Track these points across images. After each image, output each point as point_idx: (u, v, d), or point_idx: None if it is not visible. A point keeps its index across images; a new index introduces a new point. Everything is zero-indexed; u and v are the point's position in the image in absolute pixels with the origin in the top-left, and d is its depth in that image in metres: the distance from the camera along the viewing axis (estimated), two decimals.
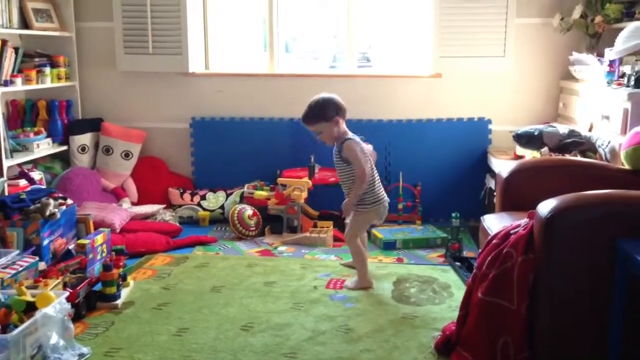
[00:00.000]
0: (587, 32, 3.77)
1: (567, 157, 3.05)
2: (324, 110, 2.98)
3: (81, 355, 2.30)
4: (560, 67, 4.08)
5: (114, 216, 3.75)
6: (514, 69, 4.11)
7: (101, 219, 3.62)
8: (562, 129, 3.16)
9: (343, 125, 3.03)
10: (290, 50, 4.92)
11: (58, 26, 4.26)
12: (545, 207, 2.02)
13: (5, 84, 3.75)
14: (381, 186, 3.09)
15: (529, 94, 4.19)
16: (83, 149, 4.36)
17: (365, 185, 2.95)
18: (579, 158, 3.00)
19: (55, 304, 2.28)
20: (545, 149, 3.12)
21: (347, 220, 3.68)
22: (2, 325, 2.20)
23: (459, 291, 2.89)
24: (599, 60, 3.38)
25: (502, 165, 2.91)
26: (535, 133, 3.18)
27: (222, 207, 4.23)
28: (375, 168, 3.07)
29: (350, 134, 3.03)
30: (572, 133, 3.11)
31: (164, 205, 4.25)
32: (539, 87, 4.18)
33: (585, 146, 3.05)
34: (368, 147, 3.13)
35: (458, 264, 3.30)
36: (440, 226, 3.95)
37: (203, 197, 4.29)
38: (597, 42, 3.77)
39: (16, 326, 2.14)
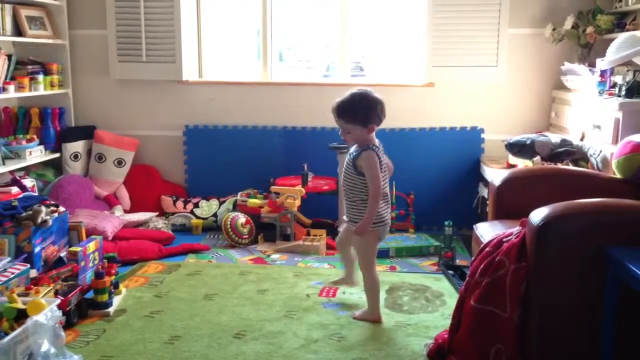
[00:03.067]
0: (578, 42, 3.81)
1: (559, 166, 3.07)
2: (367, 113, 2.59)
3: None
4: (552, 77, 4.11)
5: (106, 224, 3.74)
6: (507, 79, 4.14)
7: (93, 227, 3.60)
8: (554, 138, 3.18)
9: (373, 132, 2.66)
10: (284, 59, 4.93)
11: (51, 34, 4.26)
12: (537, 215, 2.02)
13: None
14: (389, 206, 2.74)
15: (521, 103, 4.22)
16: (76, 157, 4.34)
17: (377, 204, 2.60)
18: (570, 167, 3.02)
19: (47, 311, 2.26)
20: (537, 158, 3.14)
21: (340, 229, 3.67)
22: None
23: (451, 299, 2.89)
24: (590, 70, 3.41)
25: (495, 174, 2.92)
26: (527, 142, 3.20)
27: (215, 215, 4.22)
28: (387, 185, 2.72)
29: (375, 142, 2.66)
30: (564, 142, 3.13)
31: (156, 213, 4.24)
32: (531, 96, 4.21)
33: (577, 155, 3.07)
34: (387, 161, 2.74)
35: (451, 272, 3.30)
36: (433, 234, 3.96)
37: (196, 205, 4.28)
38: (588, 52, 3.81)
39: (7, 334, 2.13)
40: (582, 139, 3.23)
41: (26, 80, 3.97)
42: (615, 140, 2.84)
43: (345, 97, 2.63)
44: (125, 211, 4.31)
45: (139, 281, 3.21)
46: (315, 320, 2.74)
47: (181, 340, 2.53)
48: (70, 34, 4.38)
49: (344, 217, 2.83)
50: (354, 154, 2.64)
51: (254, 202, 4.00)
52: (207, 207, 4.27)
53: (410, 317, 2.77)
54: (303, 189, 3.91)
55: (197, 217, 4.22)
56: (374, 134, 2.66)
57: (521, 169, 3.10)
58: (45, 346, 2.23)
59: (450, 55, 4.10)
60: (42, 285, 2.61)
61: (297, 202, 3.88)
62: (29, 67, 4.08)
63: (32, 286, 2.60)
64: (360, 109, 2.59)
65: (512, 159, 3.57)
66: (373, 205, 2.59)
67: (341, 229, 3.92)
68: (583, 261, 2.00)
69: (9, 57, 3.91)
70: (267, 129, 4.33)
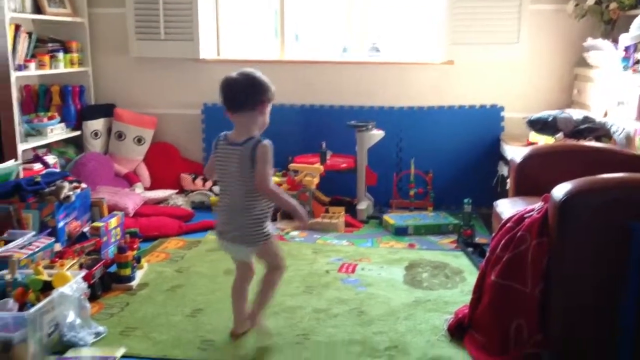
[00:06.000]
0: (602, 18, 3.74)
1: (582, 142, 3.04)
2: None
3: (97, 334, 2.33)
4: (574, 53, 4.05)
5: (127, 200, 3.78)
6: (528, 56, 4.09)
7: (115, 203, 3.64)
8: (577, 114, 3.15)
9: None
10: (300, 40, 4.91)
11: (70, 12, 4.27)
12: (560, 190, 2.01)
13: (19, 68, 3.77)
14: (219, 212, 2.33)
15: (542, 80, 4.17)
16: (96, 134, 4.38)
17: None
18: (593, 143, 2.98)
19: (72, 283, 2.30)
20: (559, 135, 3.11)
21: (358, 206, 3.67)
22: (20, 304, 2.23)
23: (471, 276, 2.90)
24: (614, 46, 3.36)
25: (516, 151, 2.90)
26: (549, 119, 3.17)
27: None
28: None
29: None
30: (586, 119, 3.09)
31: (176, 191, 4.28)
32: (553, 73, 4.15)
33: (600, 132, 3.04)
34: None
35: (470, 249, 3.30)
36: (452, 213, 3.95)
37: (215, 183, 4.31)
38: (612, 28, 3.74)
39: (33, 305, 2.17)
40: (605, 116, 3.19)
41: (47, 58, 4.00)
42: (639, 117, 2.81)
43: None
44: (145, 188, 4.35)
45: (160, 256, 3.25)
46: (335, 296, 2.75)
47: (203, 314, 2.56)
48: (89, 12, 4.39)
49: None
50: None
51: (273, 180, 4.00)
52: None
53: (429, 293, 2.78)
54: (321, 167, 3.91)
55: (216, 195, 4.24)
56: (233, 121, 2.30)
57: (543, 145, 3.08)
58: (71, 317, 2.28)
59: (470, 32, 4.05)
60: (66, 258, 2.65)
61: (316, 180, 3.89)
62: (49, 45, 4.11)
63: (57, 259, 2.64)
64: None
65: (533, 137, 3.54)
66: None
67: (361, 205, 3.94)
68: (606, 236, 1.99)
69: (30, 35, 3.93)
70: (285, 107, 4.32)
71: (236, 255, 2.36)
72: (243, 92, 2.23)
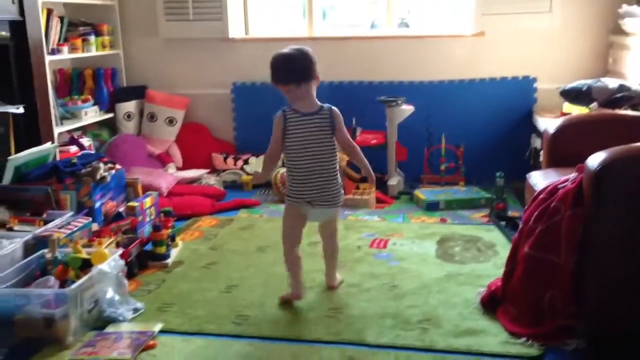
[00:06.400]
0: None
1: (617, 112, 2.97)
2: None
3: (136, 310, 2.39)
4: (609, 21, 3.94)
5: (160, 180, 3.84)
6: (561, 25, 3.99)
7: (149, 183, 3.71)
8: (612, 83, 3.07)
9: (293, 93, 2.38)
10: (327, 18, 4.88)
11: None
12: (595, 159, 1.97)
13: (53, 52, 3.84)
14: (305, 183, 2.39)
15: (576, 50, 4.07)
16: (129, 116, 4.45)
17: (266, 167, 2.49)
18: (629, 112, 2.91)
19: (110, 260, 2.36)
20: (594, 105, 3.04)
21: (389, 182, 3.65)
22: (60, 282, 2.30)
23: (504, 250, 2.87)
24: None
25: (549, 123, 2.85)
26: (584, 88, 3.10)
27: None
28: (304, 158, 2.38)
29: (295, 104, 2.40)
30: (622, 87, 3.02)
31: (208, 170, 4.33)
32: (587, 42, 4.05)
33: (636, 100, 2.97)
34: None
35: (503, 223, 3.27)
36: (484, 187, 3.91)
37: (246, 162, 4.34)
38: None
39: (73, 282, 2.23)
40: None
41: (79, 42, 4.07)
42: None
43: None
44: (178, 169, 4.41)
45: (194, 235, 3.30)
46: (367, 270, 2.77)
47: (237, 289, 2.60)
48: None
49: None
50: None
51: None
52: (257, 164, 4.32)
53: (462, 267, 2.77)
54: None
55: (248, 174, 4.28)
56: (295, 97, 2.37)
57: (576, 115, 3.02)
58: (110, 293, 2.35)
59: (501, 3, 3.97)
60: (103, 237, 2.72)
61: (346, 157, 3.88)
62: (81, 28, 4.17)
63: (94, 238, 2.71)
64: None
65: (567, 108, 3.47)
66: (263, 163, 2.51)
67: (391, 181, 3.93)
68: None
69: (61, 19, 3.99)
70: None
71: (323, 218, 2.49)
72: (302, 64, 2.36)
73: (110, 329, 2.26)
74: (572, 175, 2.14)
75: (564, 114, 3.53)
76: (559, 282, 2.06)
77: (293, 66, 2.36)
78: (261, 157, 4.28)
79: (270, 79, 2.42)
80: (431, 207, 3.66)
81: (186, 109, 4.53)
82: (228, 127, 4.57)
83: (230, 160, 4.38)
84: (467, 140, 4.14)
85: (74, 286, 2.18)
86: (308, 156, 2.37)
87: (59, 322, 2.14)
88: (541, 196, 2.21)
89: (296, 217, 2.47)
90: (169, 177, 4.01)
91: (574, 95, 3.17)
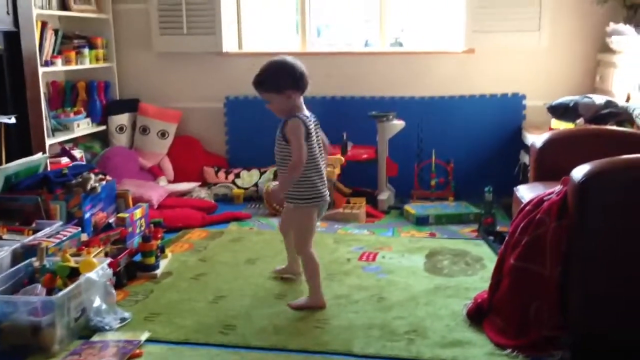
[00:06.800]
0: (624, 3, 3.70)
1: (603, 127, 3.00)
2: (277, 79, 2.48)
3: (123, 319, 2.38)
4: (596, 40, 4.00)
5: (152, 193, 3.85)
6: (549, 43, 4.05)
7: (139, 196, 3.71)
8: (599, 99, 3.12)
9: (298, 100, 2.52)
10: (322, 36, 4.93)
11: (95, 8, 4.36)
12: (580, 171, 2.00)
13: (47, 64, 3.86)
14: (324, 181, 2.57)
15: (564, 68, 4.13)
16: (121, 129, 4.47)
17: (298, 175, 2.46)
18: (615, 128, 2.95)
19: (98, 269, 2.37)
20: (580, 121, 3.08)
21: (380, 197, 3.69)
22: (48, 289, 2.30)
23: (491, 263, 2.85)
24: (637, 30, 3.31)
25: (536, 137, 2.88)
26: (571, 104, 3.15)
27: (255, 184, 4.28)
28: (321, 158, 2.57)
29: (304, 112, 2.54)
30: (609, 103, 3.06)
31: (199, 183, 4.34)
32: (575, 61, 4.11)
33: (622, 117, 3.01)
34: (322, 136, 2.67)
35: (491, 238, 3.29)
36: (474, 203, 3.93)
37: (237, 175, 4.36)
38: (634, 13, 3.70)
39: (60, 290, 2.23)
40: (627, 100, 3.16)
41: (72, 54, 4.09)
42: None
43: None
44: (169, 182, 4.42)
45: (184, 247, 3.31)
46: (355, 283, 2.78)
47: (225, 300, 2.61)
48: (113, 8, 4.47)
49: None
50: (282, 123, 2.53)
51: None
52: (248, 177, 4.33)
53: (449, 280, 2.78)
54: (342, 158, 3.93)
55: (239, 187, 4.29)
56: (299, 103, 2.52)
57: (563, 130, 3.06)
58: (97, 302, 2.35)
59: (491, 20, 4.02)
60: (92, 247, 2.72)
61: (337, 171, 3.91)
62: (75, 41, 4.19)
63: (83, 247, 2.71)
64: (269, 76, 2.48)
65: (555, 124, 3.51)
66: (291, 173, 2.46)
67: (382, 196, 3.95)
68: (626, 217, 1.98)
69: (56, 31, 4.02)
70: (306, 99, 4.23)
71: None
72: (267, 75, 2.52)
73: (96, 337, 2.26)
74: (558, 187, 2.17)
75: (552, 130, 3.58)
76: (545, 293, 2.08)
77: (304, 74, 2.55)
78: (253, 171, 4.33)
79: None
80: (421, 221, 3.68)
81: (179, 123, 4.54)
82: (220, 140, 4.59)
83: (221, 174, 4.39)
84: (457, 156, 4.18)
85: (61, 294, 2.18)
86: (321, 158, 2.58)
87: (45, 329, 2.14)
88: (527, 208, 2.24)
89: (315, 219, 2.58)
90: (160, 189, 4.02)
91: (561, 111, 3.21)
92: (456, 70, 4.25)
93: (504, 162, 4.11)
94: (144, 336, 2.25)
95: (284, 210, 2.85)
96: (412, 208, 3.80)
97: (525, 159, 3.79)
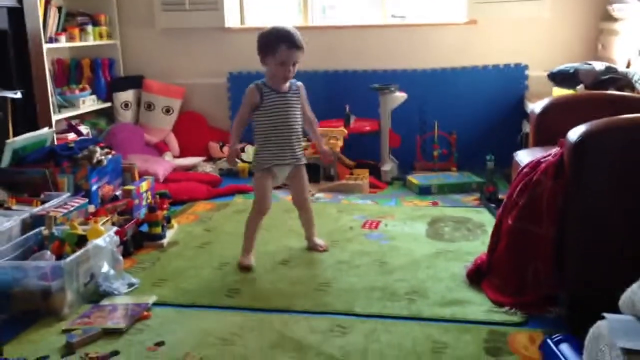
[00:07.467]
0: None
1: (603, 92, 3.01)
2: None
3: (130, 284, 2.44)
4: (598, 8, 3.99)
5: (157, 167, 3.90)
6: (551, 13, 4.04)
7: (145, 170, 3.76)
8: (599, 65, 3.12)
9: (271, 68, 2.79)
10: (326, 15, 4.91)
11: None
12: (576, 132, 2.02)
13: (51, 41, 3.90)
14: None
15: (567, 37, 4.12)
16: (126, 105, 4.51)
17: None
18: (614, 92, 2.96)
19: (105, 236, 2.42)
20: (580, 87, 3.09)
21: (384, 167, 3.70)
22: (57, 257, 2.36)
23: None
24: None
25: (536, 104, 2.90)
26: (571, 71, 3.15)
27: None
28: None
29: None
30: (609, 69, 3.07)
31: (204, 157, 4.39)
32: (577, 30, 4.10)
33: (623, 82, 3.02)
34: (306, 107, 2.94)
35: (493, 205, 3.32)
36: (476, 173, 3.96)
37: (242, 150, 4.40)
38: None
39: (69, 256, 2.29)
40: (628, 67, 3.16)
41: (76, 31, 4.13)
42: None
43: None
44: (175, 157, 4.47)
45: (190, 218, 3.36)
46: (358, 249, 2.82)
47: (230, 267, 2.66)
48: None
49: None
50: (294, 87, 2.87)
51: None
52: (253, 152, 4.36)
53: (451, 245, 2.83)
54: (345, 130, 3.96)
55: (243, 162, 4.33)
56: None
57: (562, 95, 3.07)
58: (105, 268, 2.41)
59: None
60: (99, 216, 2.77)
61: (340, 143, 3.93)
62: (78, 18, 4.23)
63: (90, 217, 2.76)
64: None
65: (555, 92, 3.52)
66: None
67: (385, 167, 3.97)
68: (622, 177, 1.99)
69: (59, 8, 4.05)
70: (308, 73, 4.35)
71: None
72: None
73: (105, 301, 2.32)
74: (554, 149, 2.20)
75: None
76: (541, 253, 2.11)
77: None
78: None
79: None
80: (423, 191, 3.71)
81: (183, 99, 4.58)
82: (224, 116, 4.63)
83: (226, 149, 4.43)
84: (459, 127, 4.19)
85: (69, 259, 2.23)
86: None
87: (55, 294, 2.20)
88: (524, 170, 2.27)
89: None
90: (166, 163, 4.07)
91: (561, 78, 3.22)
92: (458, 42, 4.25)
93: (507, 133, 4.13)
94: (152, 299, 2.31)
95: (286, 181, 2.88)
96: (415, 178, 3.83)
97: (527, 128, 3.79)
